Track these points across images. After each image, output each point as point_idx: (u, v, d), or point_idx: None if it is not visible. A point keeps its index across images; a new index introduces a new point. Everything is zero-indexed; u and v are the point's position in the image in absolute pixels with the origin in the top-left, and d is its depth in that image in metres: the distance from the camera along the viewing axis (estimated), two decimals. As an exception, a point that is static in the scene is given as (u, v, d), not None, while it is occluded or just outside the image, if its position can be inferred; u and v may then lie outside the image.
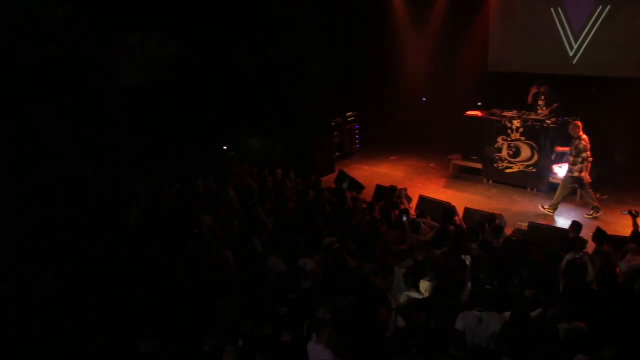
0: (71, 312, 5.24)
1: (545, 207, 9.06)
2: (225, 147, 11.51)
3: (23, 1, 9.59)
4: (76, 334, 4.88)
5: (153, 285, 5.50)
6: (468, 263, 5.30)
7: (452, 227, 7.14)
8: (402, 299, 5.05)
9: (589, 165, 8.58)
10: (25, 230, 7.14)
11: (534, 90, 10.34)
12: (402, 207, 7.95)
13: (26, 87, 9.32)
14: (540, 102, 10.22)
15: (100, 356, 4.53)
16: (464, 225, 7.45)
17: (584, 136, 8.59)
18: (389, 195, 8.55)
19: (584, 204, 9.15)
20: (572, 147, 8.64)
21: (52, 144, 9.34)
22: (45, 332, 4.99)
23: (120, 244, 6.47)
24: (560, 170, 9.65)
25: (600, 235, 6.19)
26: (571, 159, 8.66)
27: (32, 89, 9.37)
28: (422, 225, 7.30)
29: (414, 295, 5.05)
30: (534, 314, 4.64)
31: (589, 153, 8.53)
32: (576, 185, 8.82)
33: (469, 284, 5.22)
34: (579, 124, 8.65)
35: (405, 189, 8.80)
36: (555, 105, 9.95)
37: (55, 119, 9.45)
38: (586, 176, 8.60)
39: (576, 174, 8.59)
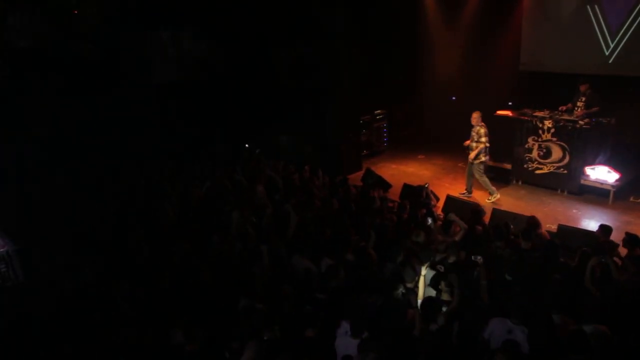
0: (103, 302, 5.40)
1: (463, 193, 9.96)
2: (247, 145, 11.60)
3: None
4: (107, 324, 5.03)
5: (181, 279, 5.61)
6: (480, 263, 5.27)
7: (479, 228, 7.08)
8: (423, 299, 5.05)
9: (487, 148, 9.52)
10: (62, 223, 7.39)
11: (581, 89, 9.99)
12: (424, 209, 7.91)
13: (60, 84, 9.59)
14: (579, 103, 9.92)
15: (132, 346, 4.66)
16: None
17: (483, 124, 9.50)
18: (416, 195, 8.53)
19: (614, 207, 9.05)
20: (475, 135, 9.49)
21: (86, 140, 9.60)
22: (78, 322, 5.16)
23: (151, 239, 6.61)
24: (593, 172, 9.46)
25: (631, 239, 6.07)
26: (474, 145, 9.51)
27: (66, 86, 9.64)
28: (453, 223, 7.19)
29: (434, 294, 5.05)
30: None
31: (488, 138, 9.45)
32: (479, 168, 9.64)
33: (484, 283, 5.20)
34: (480, 113, 9.52)
35: (427, 184, 8.81)
36: (595, 109, 9.67)
37: (89, 116, 9.72)
38: (487, 160, 9.64)
39: (483, 159, 9.52)
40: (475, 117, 9.53)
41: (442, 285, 4.97)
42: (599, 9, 11.12)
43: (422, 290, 5.27)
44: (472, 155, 9.53)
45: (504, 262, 5.94)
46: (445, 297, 5.01)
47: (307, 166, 9.47)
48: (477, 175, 9.71)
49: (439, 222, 7.46)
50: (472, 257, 5.35)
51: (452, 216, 7.08)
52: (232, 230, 6.66)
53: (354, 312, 4.55)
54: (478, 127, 9.47)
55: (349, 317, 4.51)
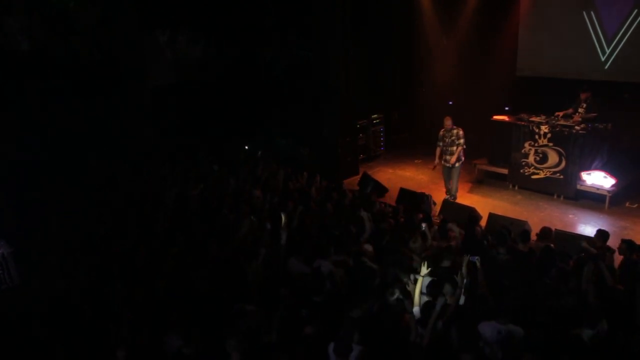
0: (96, 304, 5.37)
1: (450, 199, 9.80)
2: (246, 147, 11.57)
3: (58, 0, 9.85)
4: (100, 326, 5.00)
5: (177, 282, 5.59)
6: (478, 265, 5.26)
7: (478, 229, 7.10)
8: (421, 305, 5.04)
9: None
10: (56, 223, 7.36)
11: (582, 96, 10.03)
12: (422, 214, 7.92)
13: (58, 85, 9.56)
14: (580, 110, 9.93)
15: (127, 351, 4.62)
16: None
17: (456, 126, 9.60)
18: (413, 200, 8.56)
19: (610, 212, 9.07)
20: (455, 138, 9.49)
21: (83, 142, 9.58)
22: (70, 325, 5.12)
23: (146, 240, 6.59)
24: (589, 178, 9.49)
25: (629, 246, 6.10)
26: (452, 148, 9.52)
27: (63, 88, 9.61)
28: (450, 230, 7.17)
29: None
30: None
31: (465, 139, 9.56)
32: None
33: (484, 282, 5.20)
34: (451, 117, 9.67)
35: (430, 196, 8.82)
36: (593, 115, 9.71)
37: (86, 118, 9.69)
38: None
39: (462, 159, 9.62)
40: (450, 119, 9.64)
41: (447, 288, 4.94)
42: (595, 15, 11.18)
43: (418, 296, 5.26)
44: (454, 159, 9.50)
45: (501, 266, 5.96)
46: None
47: (306, 172, 9.45)
48: (455, 177, 9.71)
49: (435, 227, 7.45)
50: (470, 258, 5.34)
51: (451, 226, 7.08)
52: (241, 235, 6.57)
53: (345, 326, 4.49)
54: (456, 130, 9.52)
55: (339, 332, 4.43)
